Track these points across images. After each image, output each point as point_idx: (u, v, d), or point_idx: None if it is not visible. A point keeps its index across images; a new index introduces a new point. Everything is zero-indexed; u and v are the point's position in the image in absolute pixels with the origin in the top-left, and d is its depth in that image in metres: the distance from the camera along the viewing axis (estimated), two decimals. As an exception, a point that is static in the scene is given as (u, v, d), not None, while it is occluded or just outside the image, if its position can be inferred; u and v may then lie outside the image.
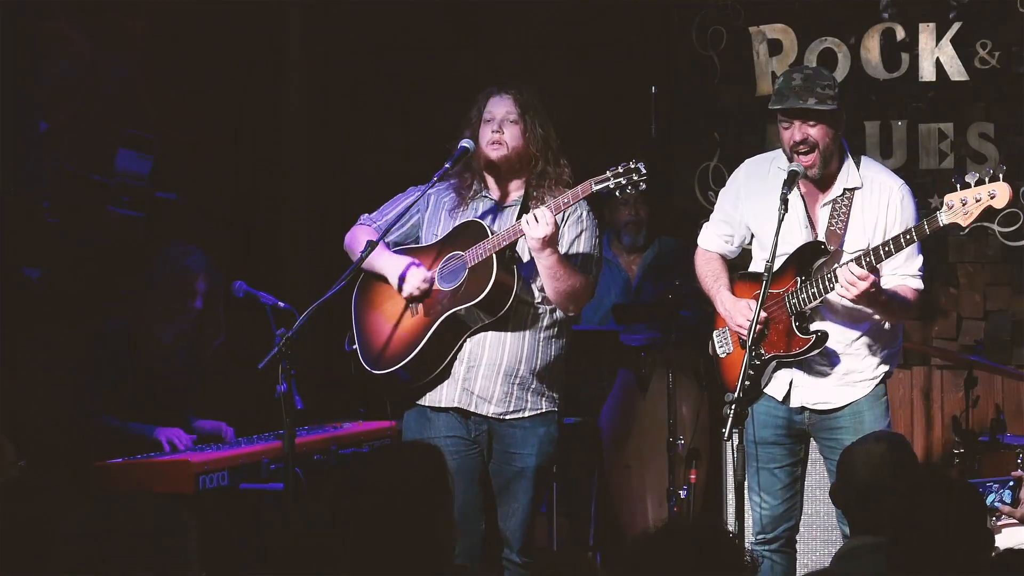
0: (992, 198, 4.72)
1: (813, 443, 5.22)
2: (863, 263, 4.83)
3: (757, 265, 5.16)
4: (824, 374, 5.09)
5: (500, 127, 5.16)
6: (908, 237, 4.82)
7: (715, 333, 5.28)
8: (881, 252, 4.84)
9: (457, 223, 5.21)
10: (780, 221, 4.85)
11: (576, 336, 6.63)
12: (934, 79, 7.24)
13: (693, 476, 6.60)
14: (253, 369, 4.86)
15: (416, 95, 7.62)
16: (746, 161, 5.34)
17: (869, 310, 4.97)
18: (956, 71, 7.21)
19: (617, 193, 5.03)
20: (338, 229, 5.40)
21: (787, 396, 5.12)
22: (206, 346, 6.04)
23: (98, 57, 6.57)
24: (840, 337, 5.06)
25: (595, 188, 5.00)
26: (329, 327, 5.36)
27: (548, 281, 5.06)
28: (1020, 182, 7.10)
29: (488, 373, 5.12)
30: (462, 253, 5.12)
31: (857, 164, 5.11)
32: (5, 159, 6.00)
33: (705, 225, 5.40)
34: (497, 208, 5.24)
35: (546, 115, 5.22)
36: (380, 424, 5.91)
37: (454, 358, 5.14)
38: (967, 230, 4.88)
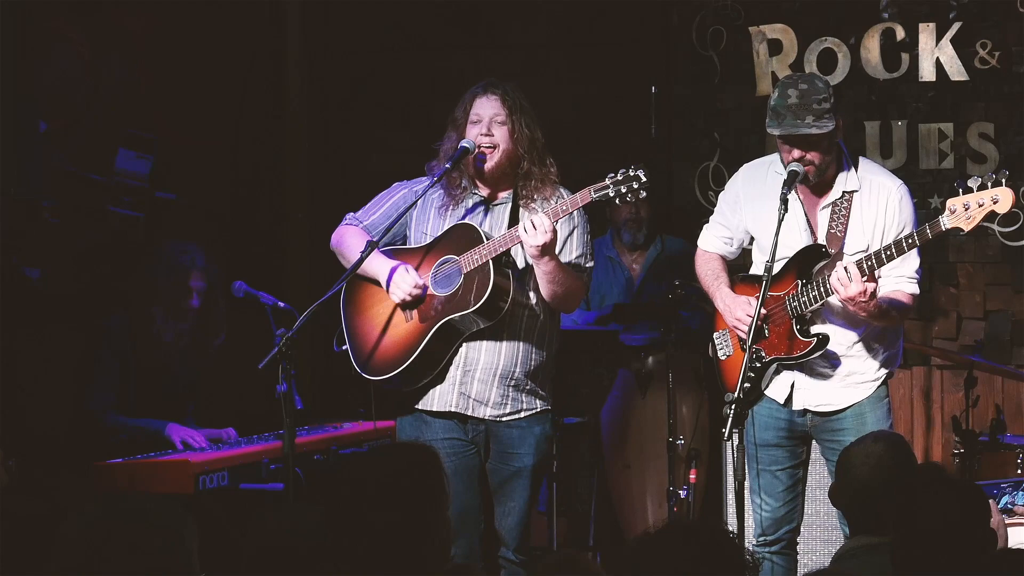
0: (995, 203, 4.72)
1: (814, 444, 5.23)
2: (864, 267, 4.83)
3: (757, 269, 5.16)
4: (826, 376, 5.09)
5: (489, 129, 5.15)
6: (910, 242, 4.82)
7: (715, 335, 5.28)
8: (883, 256, 4.84)
9: (448, 223, 5.19)
10: (780, 220, 4.85)
11: (576, 336, 6.68)
12: (934, 79, 7.25)
13: (693, 476, 6.60)
14: (253, 369, 4.86)
15: (416, 95, 7.62)
16: (744, 166, 5.33)
17: (864, 315, 4.96)
18: (956, 71, 7.21)
19: (617, 201, 4.99)
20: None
21: (789, 399, 5.12)
22: (207, 344, 6.04)
23: (98, 57, 6.57)
24: (841, 339, 5.06)
25: (594, 196, 4.96)
26: (329, 327, 5.36)
27: (546, 285, 5.05)
28: (1020, 182, 7.12)
29: (484, 377, 5.12)
30: (456, 257, 5.09)
31: (855, 166, 5.10)
32: (5, 159, 6.00)
33: (705, 227, 5.40)
34: (487, 207, 5.22)
35: (532, 114, 5.19)
36: (381, 424, 5.90)
37: (449, 363, 5.13)
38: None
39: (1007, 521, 4.69)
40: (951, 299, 7.27)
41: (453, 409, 5.14)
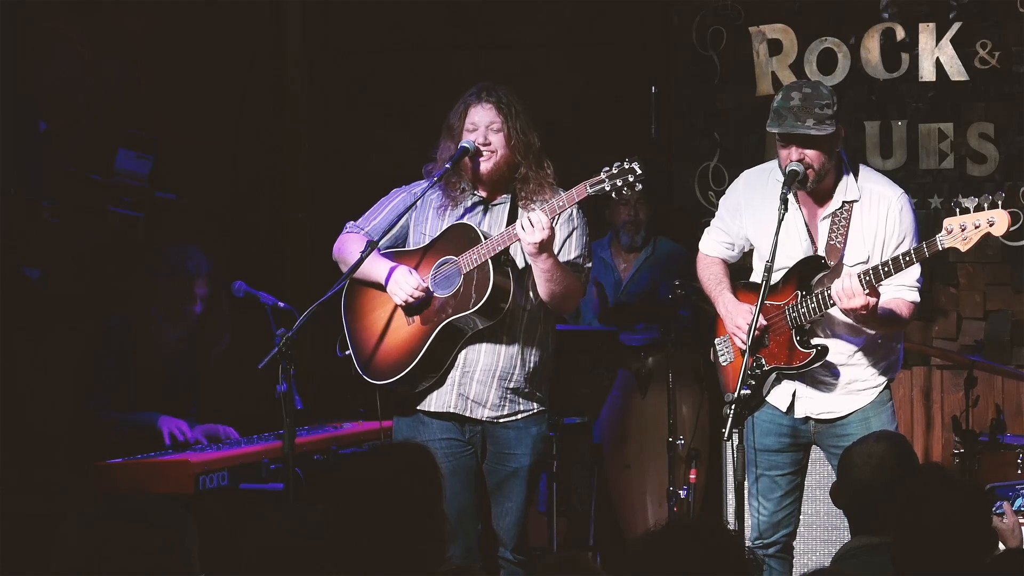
0: (991, 225, 4.75)
1: (813, 448, 5.23)
2: (863, 282, 4.83)
3: (757, 277, 5.15)
4: (827, 385, 5.09)
5: (486, 137, 5.14)
6: (908, 259, 4.83)
7: (717, 341, 5.28)
8: (880, 272, 4.85)
9: (446, 224, 5.19)
10: (780, 220, 4.85)
11: (576, 336, 6.67)
12: (934, 79, 7.25)
13: (693, 476, 6.60)
14: (253, 369, 4.86)
15: (416, 95, 7.62)
16: (744, 172, 5.33)
17: (863, 324, 4.97)
18: (956, 71, 7.21)
19: (613, 195, 4.98)
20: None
21: (791, 407, 5.12)
22: (209, 349, 6.03)
23: (98, 57, 6.57)
24: (841, 349, 5.07)
25: (590, 191, 4.95)
26: (329, 327, 5.35)
27: (544, 284, 5.05)
28: (1020, 182, 7.12)
29: (483, 378, 5.12)
30: (455, 258, 5.09)
31: (856, 174, 5.09)
32: (5, 159, 6.00)
33: (706, 231, 5.40)
34: (486, 207, 5.22)
35: (527, 118, 5.19)
36: (380, 424, 5.89)
37: (451, 365, 5.14)
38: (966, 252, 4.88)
39: (1022, 522, 4.70)
40: (951, 299, 7.27)
41: (451, 410, 5.13)
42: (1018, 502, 4.84)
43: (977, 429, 6.32)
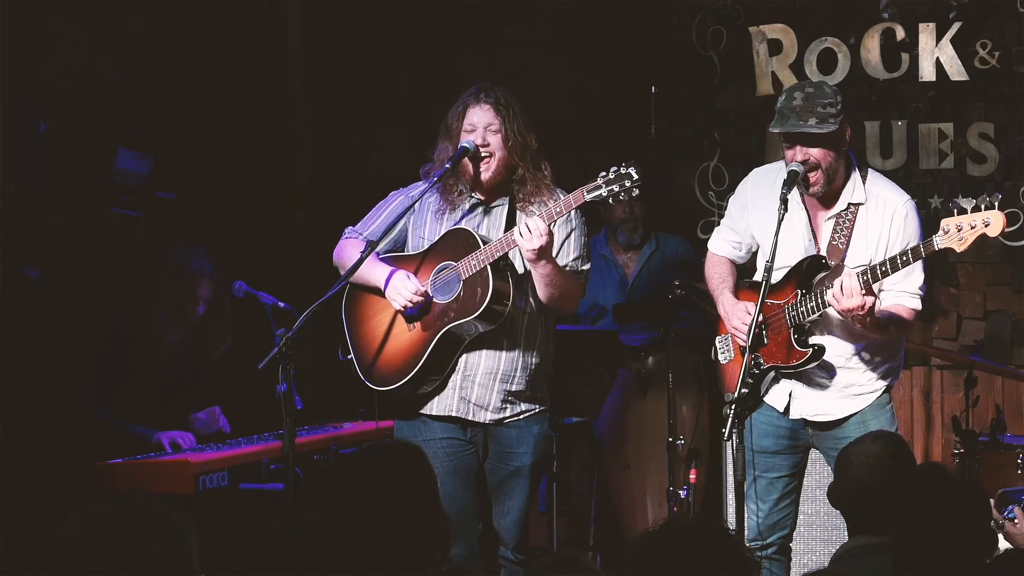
0: (986, 226, 4.76)
1: (811, 451, 5.23)
2: (861, 282, 4.83)
3: (759, 276, 5.15)
4: (823, 387, 5.09)
5: (484, 138, 5.14)
6: (904, 259, 4.83)
7: (717, 339, 5.29)
8: (878, 271, 4.85)
9: (445, 227, 5.18)
10: (780, 220, 4.86)
11: (576, 336, 6.67)
12: (934, 79, 7.25)
13: (693, 476, 6.60)
14: (253, 369, 4.86)
15: (416, 95, 7.62)
16: (753, 171, 5.33)
17: (862, 327, 4.96)
18: (956, 71, 7.21)
19: (610, 200, 4.97)
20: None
21: (787, 408, 5.12)
22: (210, 350, 6.03)
23: (98, 57, 6.57)
24: (839, 351, 5.07)
25: (587, 197, 4.95)
26: (329, 327, 5.36)
27: (543, 288, 5.05)
28: (1020, 182, 7.12)
29: (484, 382, 5.12)
30: (454, 264, 5.09)
31: (864, 177, 5.09)
32: (5, 159, 6.00)
33: (716, 230, 5.41)
34: (484, 209, 5.21)
35: (525, 119, 5.19)
36: (381, 424, 5.90)
37: (453, 369, 5.14)
38: (962, 254, 4.89)
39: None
40: (951, 299, 7.28)
41: (453, 414, 5.14)
42: None
43: (977, 429, 6.33)
